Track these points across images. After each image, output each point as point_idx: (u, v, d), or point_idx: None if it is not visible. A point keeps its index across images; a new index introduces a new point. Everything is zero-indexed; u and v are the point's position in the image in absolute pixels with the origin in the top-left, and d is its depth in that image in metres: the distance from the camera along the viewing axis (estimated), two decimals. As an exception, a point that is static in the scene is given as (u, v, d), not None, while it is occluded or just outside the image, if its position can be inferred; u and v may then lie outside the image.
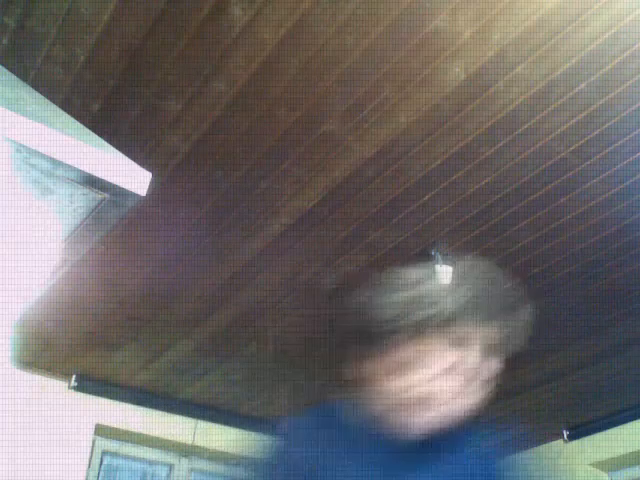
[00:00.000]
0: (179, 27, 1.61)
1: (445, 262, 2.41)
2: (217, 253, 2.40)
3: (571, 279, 2.52)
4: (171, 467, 3.50)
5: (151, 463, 3.46)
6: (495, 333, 1.05)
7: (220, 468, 3.64)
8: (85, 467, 3.11)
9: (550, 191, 2.10)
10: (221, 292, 2.62)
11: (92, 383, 3.24)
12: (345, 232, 2.32)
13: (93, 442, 3.23)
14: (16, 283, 1.61)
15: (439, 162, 2.01)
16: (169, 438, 3.35)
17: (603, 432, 3.60)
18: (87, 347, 2.98)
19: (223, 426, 3.55)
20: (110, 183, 1.24)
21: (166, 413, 3.35)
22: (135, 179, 1.28)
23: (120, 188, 1.26)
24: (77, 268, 2.34)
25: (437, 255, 2.40)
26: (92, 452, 3.21)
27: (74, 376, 3.19)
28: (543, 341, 2.94)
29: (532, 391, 3.41)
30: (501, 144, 1.93)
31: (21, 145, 1.14)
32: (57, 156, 1.17)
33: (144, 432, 3.29)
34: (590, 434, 3.66)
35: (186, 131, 1.91)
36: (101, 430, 3.26)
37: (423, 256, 2.43)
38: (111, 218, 1.34)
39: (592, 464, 3.63)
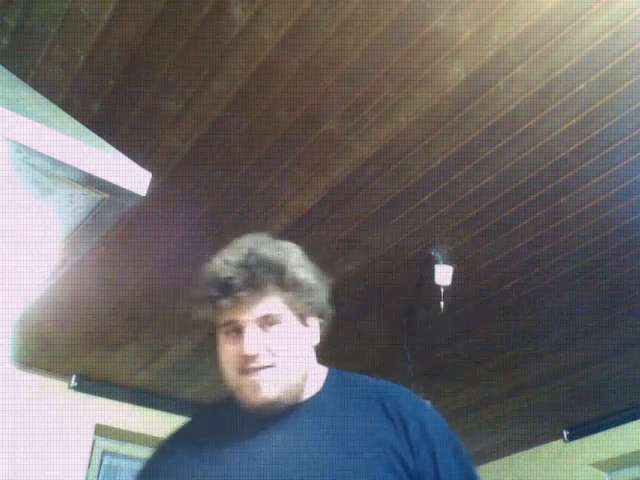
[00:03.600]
0: (179, 27, 1.61)
1: (445, 262, 2.42)
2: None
3: (571, 279, 2.52)
4: (171, 467, 3.50)
5: (151, 463, 3.45)
6: None
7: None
8: (85, 467, 3.11)
9: (550, 191, 2.10)
10: (221, 292, 2.61)
11: (92, 383, 3.24)
12: (345, 232, 2.32)
13: (93, 442, 3.22)
14: (16, 283, 1.61)
15: (439, 162, 2.01)
16: (169, 438, 3.34)
17: (603, 432, 3.60)
18: (87, 347, 2.98)
19: (223, 426, 3.54)
20: (110, 183, 1.24)
21: (166, 413, 3.36)
22: (135, 179, 1.28)
23: (120, 188, 1.26)
24: (77, 268, 2.34)
25: (437, 255, 2.41)
26: (92, 452, 3.21)
27: (74, 376, 3.19)
28: (543, 341, 2.94)
29: (532, 391, 3.42)
30: (501, 144, 1.93)
31: (21, 145, 1.14)
32: (57, 156, 1.17)
33: (144, 432, 3.29)
34: (590, 434, 3.66)
35: (186, 131, 1.91)
36: (101, 430, 3.25)
37: (423, 256, 2.43)
38: (111, 218, 1.34)
39: (592, 464, 3.63)
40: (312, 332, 1.08)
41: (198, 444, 1.05)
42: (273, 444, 0.98)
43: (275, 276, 1.00)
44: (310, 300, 1.04)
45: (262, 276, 0.99)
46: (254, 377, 0.98)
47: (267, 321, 1.00)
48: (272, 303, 1.00)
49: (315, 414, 1.02)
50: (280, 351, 0.99)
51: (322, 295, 1.07)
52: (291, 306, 1.02)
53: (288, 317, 1.02)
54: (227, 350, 1.01)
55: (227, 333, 1.01)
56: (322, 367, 1.14)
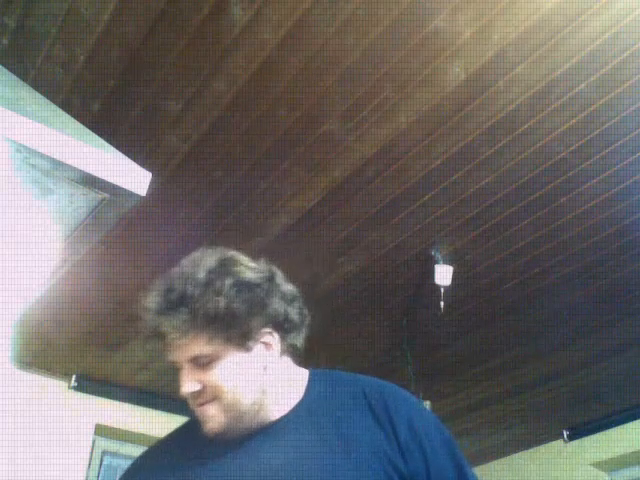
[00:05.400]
0: (179, 27, 1.61)
1: (445, 262, 2.42)
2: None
3: (571, 279, 2.52)
4: (171, 467, 3.49)
5: (151, 463, 3.45)
6: None
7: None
8: (85, 467, 3.11)
9: (550, 191, 2.10)
10: (221, 292, 2.61)
11: (92, 383, 3.24)
12: (345, 232, 2.32)
13: (93, 442, 3.22)
14: (16, 283, 1.61)
15: (439, 162, 2.01)
16: (169, 438, 3.33)
17: (603, 432, 3.60)
18: (87, 347, 2.98)
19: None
20: (110, 183, 1.24)
21: (166, 413, 3.35)
22: (135, 179, 1.28)
23: (120, 188, 1.26)
24: (77, 268, 2.34)
25: (437, 255, 2.41)
26: (92, 452, 3.21)
27: (74, 376, 3.19)
28: (543, 341, 2.94)
29: (532, 391, 3.42)
30: (501, 144, 1.93)
31: (21, 145, 1.14)
32: (57, 156, 1.17)
33: (144, 432, 3.29)
34: (590, 434, 3.66)
35: (186, 131, 1.91)
36: (101, 430, 3.25)
37: (423, 256, 2.43)
38: (111, 218, 1.34)
39: (592, 464, 3.62)
40: (264, 351, 1.01)
41: (172, 466, 1.04)
42: (256, 462, 0.96)
43: (192, 316, 0.95)
44: (239, 328, 0.96)
45: (181, 318, 0.95)
46: (199, 411, 0.99)
47: (199, 360, 0.97)
48: (199, 343, 0.96)
49: (299, 425, 0.99)
50: (218, 387, 0.97)
51: (264, 314, 0.99)
52: (221, 338, 0.96)
53: (223, 349, 0.97)
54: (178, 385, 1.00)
55: (176, 369, 1.00)
56: (303, 371, 1.09)
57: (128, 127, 1.89)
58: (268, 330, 1.01)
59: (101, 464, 3.29)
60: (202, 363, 0.97)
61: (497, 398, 3.51)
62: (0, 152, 1.15)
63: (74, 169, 1.20)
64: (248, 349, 0.99)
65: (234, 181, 2.09)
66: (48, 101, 1.47)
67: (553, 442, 3.84)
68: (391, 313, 2.78)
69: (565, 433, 3.76)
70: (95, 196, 1.27)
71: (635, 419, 3.48)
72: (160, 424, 3.29)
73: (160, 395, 3.39)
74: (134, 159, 1.33)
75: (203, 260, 1.01)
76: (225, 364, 0.97)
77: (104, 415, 3.25)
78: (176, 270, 1.01)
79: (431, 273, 2.43)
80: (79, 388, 3.20)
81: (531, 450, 3.95)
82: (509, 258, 2.43)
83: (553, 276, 2.51)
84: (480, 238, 2.34)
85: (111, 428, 3.28)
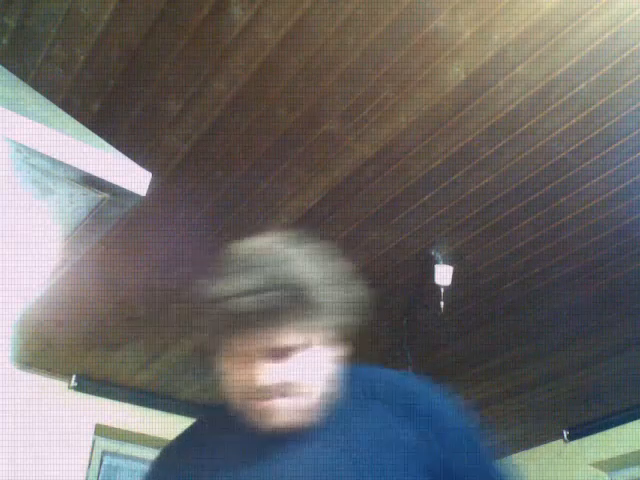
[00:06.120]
0: (179, 27, 1.61)
1: (445, 262, 2.42)
2: (217, 253, 2.40)
3: (571, 279, 2.52)
4: (171, 467, 3.49)
5: (151, 463, 3.45)
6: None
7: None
8: (85, 467, 3.11)
9: (550, 191, 2.10)
10: (221, 292, 2.61)
11: (92, 383, 3.24)
12: (345, 232, 2.32)
13: (93, 442, 3.22)
14: (16, 283, 1.61)
15: (439, 162, 2.01)
16: (169, 438, 3.33)
17: (603, 432, 3.60)
18: (87, 347, 2.98)
19: (223, 426, 3.54)
20: (110, 183, 1.24)
21: (166, 413, 3.35)
22: (135, 179, 1.28)
23: (120, 188, 1.26)
24: (77, 268, 2.34)
25: (437, 255, 2.41)
26: (92, 452, 3.21)
27: (74, 376, 3.19)
28: (543, 341, 2.94)
29: (532, 391, 3.42)
30: (501, 144, 1.93)
31: (21, 145, 1.14)
32: (57, 156, 1.17)
33: (144, 432, 3.29)
34: (590, 434, 3.66)
35: (186, 131, 1.91)
36: (101, 430, 3.25)
37: (423, 256, 2.43)
38: (111, 218, 1.34)
39: (592, 464, 3.62)
40: (334, 351, 1.01)
41: (203, 460, 1.00)
42: (287, 459, 0.93)
43: (298, 303, 0.90)
44: (330, 321, 0.94)
45: (282, 304, 0.89)
46: (267, 405, 0.92)
47: (284, 352, 0.91)
48: (290, 332, 0.91)
49: (327, 422, 0.97)
50: (298, 381, 0.92)
51: (340, 310, 0.97)
52: (312, 330, 0.93)
53: (310, 342, 0.94)
54: (240, 376, 0.94)
55: (241, 358, 0.94)
56: None
57: (128, 127, 1.89)
58: (336, 326, 1.00)
59: (101, 464, 3.29)
60: (285, 354, 0.92)
61: (497, 398, 3.51)
62: (0, 152, 1.15)
63: (74, 169, 1.20)
64: (326, 344, 0.98)
65: (234, 181, 2.09)
66: (48, 101, 1.47)
67: (553, 442, 3.84)
68: (391, 313, 2.78)
69: (565, 433, 3.75)
70: (95, 196, 1.27)
71: (635, 419, 3.48)
72: (160, 424, 3.30)
73: (160, 395, 3.39)
74: (134, 159, 1.32)
75: (298, 246, 0.99)
76: (309, 357, 0.94)
77: (104, 415, 3.25)
78: (265, 254, 0.97)
79: (431, 273, 2.43)
80: (79, 388, 3.20)
81: (531, 450, 3.94)
82: (509, 258, 2.43)
83: (553, 276, 2.51)
84: (480, 238, 2.34)
85: (111, 428, 3.27)
